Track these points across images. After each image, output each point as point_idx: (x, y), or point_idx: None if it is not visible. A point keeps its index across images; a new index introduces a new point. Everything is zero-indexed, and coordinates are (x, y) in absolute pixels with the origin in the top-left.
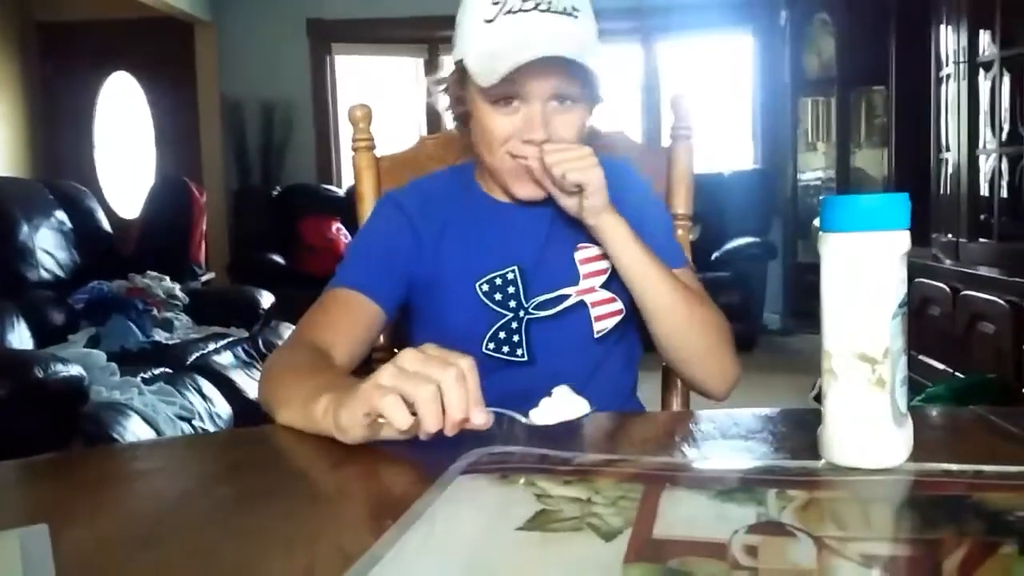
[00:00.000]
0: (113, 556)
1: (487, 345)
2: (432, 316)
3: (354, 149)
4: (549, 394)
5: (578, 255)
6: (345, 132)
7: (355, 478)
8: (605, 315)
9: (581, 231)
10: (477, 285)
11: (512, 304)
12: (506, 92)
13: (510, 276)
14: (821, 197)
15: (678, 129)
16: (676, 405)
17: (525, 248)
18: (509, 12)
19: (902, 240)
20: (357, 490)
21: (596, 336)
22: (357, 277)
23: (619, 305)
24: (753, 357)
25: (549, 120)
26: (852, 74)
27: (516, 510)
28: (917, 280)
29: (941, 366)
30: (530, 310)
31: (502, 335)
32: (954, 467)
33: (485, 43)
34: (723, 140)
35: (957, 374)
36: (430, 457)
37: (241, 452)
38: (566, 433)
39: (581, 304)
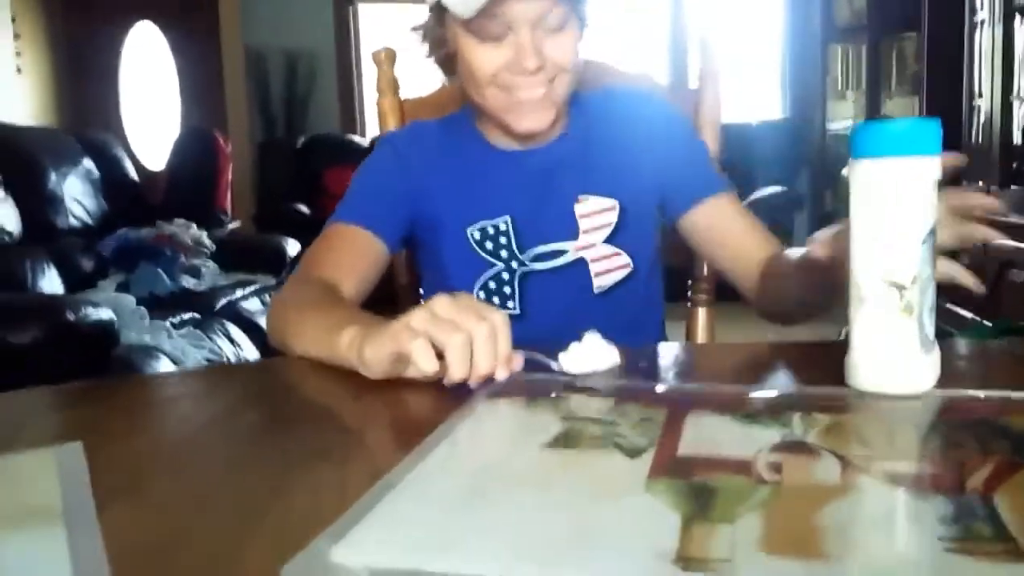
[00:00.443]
0: (147, 472)
1: (478, 294)
2: (431, 258)
3: (379, 91)
4: (579, 338)
5: (579, 208)
6: (368, 82)
7: (380, 404)
8: (607, 271)
9: (585, 181)
10: (468, 232)
11: (504, 254)
12: (490, 23)
13: (502, 227)
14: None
15: (706, 70)
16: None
17: (519, 198)
18: None
19: (933, 166)
20: (382, 414)
21: (596, 292)
22: (358, 212)
23: (625, 259)
24: None
25: (540, 46)
26: (883, 20)
27: (541, 430)
28: None
29: (969, 315)
30: (526, 262)
31: (493, 285)
32: (981, 393)
33: None
34: (751, 89)
35: (985, 323)
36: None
37: (269, 379)
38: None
39: (580, 261)
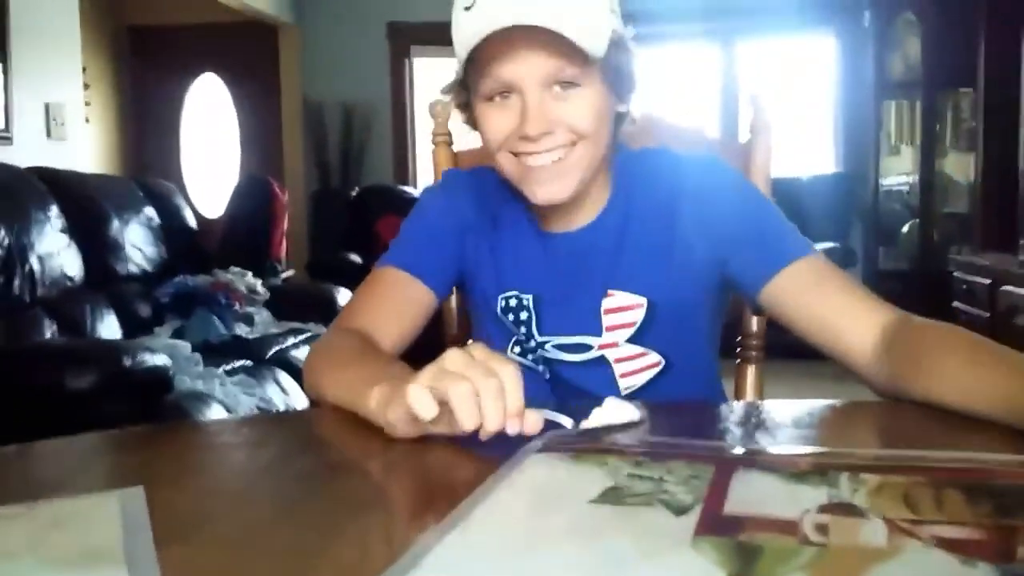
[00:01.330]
0: (204, 515)
1: (511, 351)
2: (473, 308)
3: (434, 143)
4: (599, 403)
5: (606, 302)
6: (421, 134)
7: (424, 455)
8: (633, 371)
9: (614, 274)
10: (499, 298)
11: (523, 330)
12: (496, 84)
13: (525, 302)
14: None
15: (756, 123)
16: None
17: (547, 279)
18: None
19: None
20: (426, 467)
21: (623, 394)
22: (407, 258)
23: (655, 358)
24: (831, 366)
25: (548, 109)
26: (938, 76)
27: (588, 485)
28: (1003, 288)
29: None
30: (545, 347)
31: (517, 350)
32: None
33: (463, 32)
34: (803, 144)
35: None
36: (503, 443)
37: (319, 428)
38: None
39: (603, 359)
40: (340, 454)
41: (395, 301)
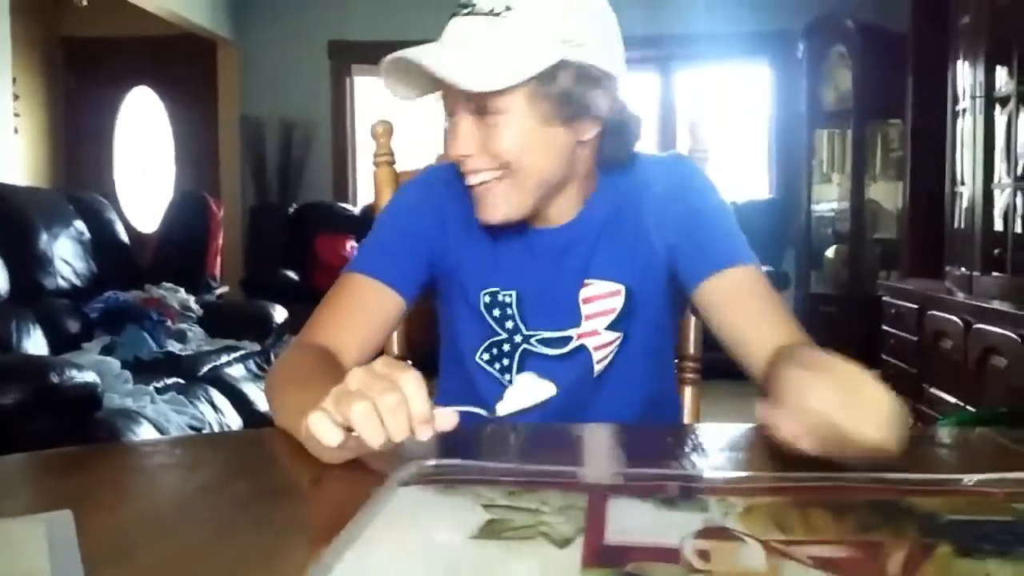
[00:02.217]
0: (135, 539)
1: (481, 355)
2: (446, 307)
3: (375, 164)
4: (511, 383)
5: (583, 292)
6: (362, 152)
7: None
8: (607, 356)
9: (591, 265)
10: (481, 293)
11: (508, 325)
12: (443, 102)
13: (507, 299)
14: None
15: (695, 152)
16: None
17: (528, 274)
18: (453, 15)
19: None
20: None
21: (595, 376)
22: (375, 264)
23: (620, 336)
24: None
25: (470, 133)
26: (868, 107)
27: (466, 519)
28: (930, 313)
29: (952, 399)
30: (531, 341)
31: (494, 351)
32: (882, 474)
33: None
34: (738, 170)
35: (968, 408)
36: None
37: (254, 450)
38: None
39: (582, 348)
40: (275, 478)
41: (361, 311)
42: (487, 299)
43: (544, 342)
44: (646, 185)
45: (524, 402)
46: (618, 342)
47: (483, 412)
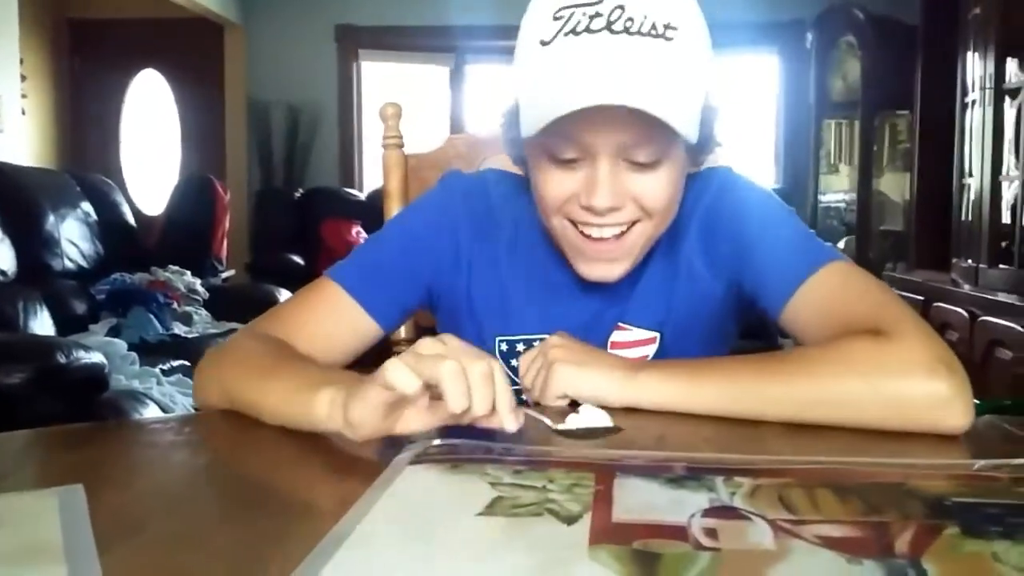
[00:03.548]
0: (145, 514)
1: None
2: (451, 330)
3: (384, 146)
4: (576, 411)
5: (616, 336)
6: (368, 137)
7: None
8: None
9: (627, 309)
10: (497, 339)
11: None
12: (564, 144)
13: (534, 344)
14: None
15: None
16: None
17: (556, 320)
18: (572, 32)
19: None
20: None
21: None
22: (359, 285)
23: None
24: None
25: (621, 182)
26: (877, 98)
27: (472, 497)
28: (936, 305)
29: None
30: None
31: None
32: (886, 459)
33: (536, 76)
34: (745, 160)
35: (974, 400)
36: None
37: (266, 427)
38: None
39: None
40: (285, 455)
41: (332, 323)
42: (504, 347)
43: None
44: (686, 213)
45: (586, 424)
46: None
47: (549, 422)
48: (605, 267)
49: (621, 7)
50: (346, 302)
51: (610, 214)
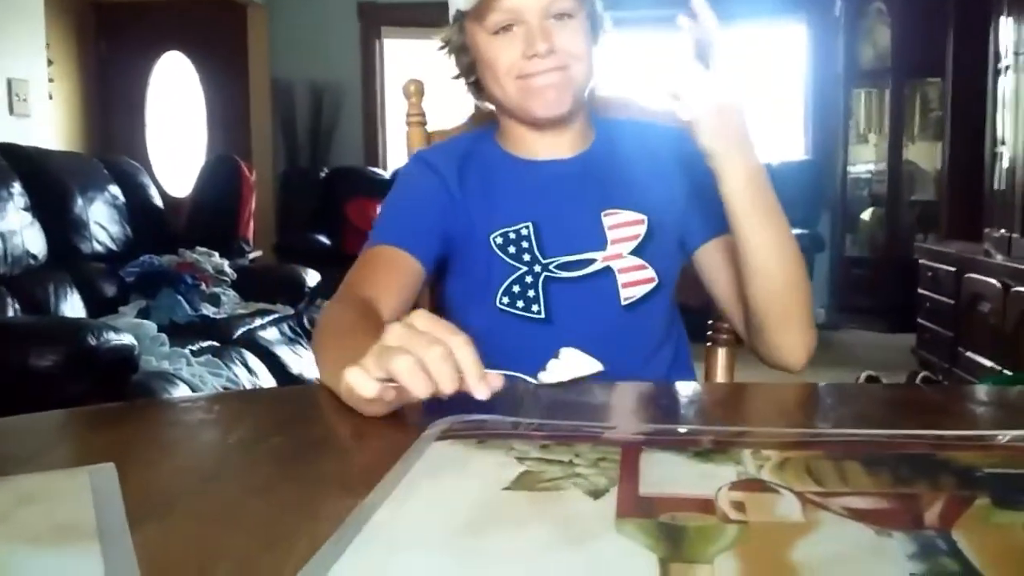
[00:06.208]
0: (177, 492)
1: (501, 299)
2: (457, 269)
3: (408, 124)
4: (556, 355)
5: (606, 220)
6: (392, 116)
7: (401, 432)
8: (633, 282)
9: (611, 196)
10: (491, 237)
11: (526, 258)
12: (499, 16)
13: (523, 232)
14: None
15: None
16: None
17: (542, 205)
18: None
19: None
20: (404, 443)
21: (623, 304)
22: (394, 233)
23: (650, 273)
24: None
25: (549, 33)
26: (907, 65)
27: (500, 472)
28: (967, 275)
29: (989, 363)
30: (550, 268)
31: (516, 288)
32: (915, 431)
33: None
34: (773, 130)
35: (1005, 371)
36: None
37: (292, 407)
38: (572, 395)
39: (608, 270)
40: (313, 433)
41: (389, 274)
42: (499, 240)
43: (564, 266)
44: (656, 139)
45: (567, 374)
46: (652, 285)
47: (528, 378)
48: (553, 102)
49: None
50: (389, 252)
51: (549, 56)
